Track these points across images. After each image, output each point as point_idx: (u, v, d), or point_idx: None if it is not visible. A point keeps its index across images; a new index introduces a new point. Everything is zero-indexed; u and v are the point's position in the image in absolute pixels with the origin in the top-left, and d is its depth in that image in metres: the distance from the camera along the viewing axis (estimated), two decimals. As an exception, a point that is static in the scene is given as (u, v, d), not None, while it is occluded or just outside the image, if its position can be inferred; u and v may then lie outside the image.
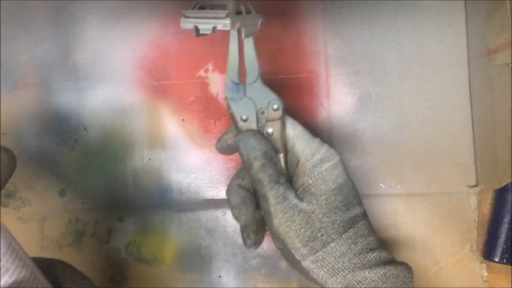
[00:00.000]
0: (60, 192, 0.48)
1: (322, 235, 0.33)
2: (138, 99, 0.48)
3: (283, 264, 0.47)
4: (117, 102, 0.48)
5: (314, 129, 0.47)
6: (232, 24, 0.32)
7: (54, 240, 0.48)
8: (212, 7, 0.33)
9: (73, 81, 0.49)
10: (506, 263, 0.44)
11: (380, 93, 0.47)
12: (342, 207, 0.34)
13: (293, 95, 0.47)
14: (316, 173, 0.35)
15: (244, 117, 0.37)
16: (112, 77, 0.48)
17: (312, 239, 0.33)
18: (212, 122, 0.48)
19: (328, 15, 0.48)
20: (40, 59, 0.49)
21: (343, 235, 0.33)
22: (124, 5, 0.49)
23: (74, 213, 0.48)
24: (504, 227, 0.44)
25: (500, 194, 0.45)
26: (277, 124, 0.37)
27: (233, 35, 0.37)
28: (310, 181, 0.35)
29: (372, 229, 0.35)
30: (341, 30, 0.48)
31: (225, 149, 0.39)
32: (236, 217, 0.37)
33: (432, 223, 0.47)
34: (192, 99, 0.48)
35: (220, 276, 0.47)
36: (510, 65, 0.39)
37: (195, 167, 0.48)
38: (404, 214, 0.47)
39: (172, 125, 0.48)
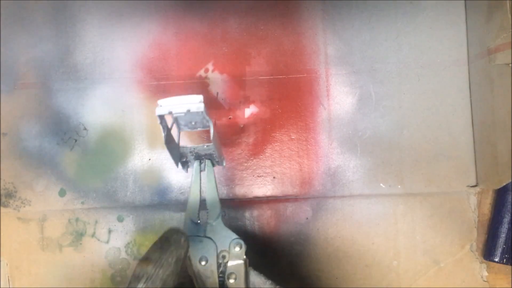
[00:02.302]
0: (60, 192, 0.48)
1: None
2: (138, 99, 0.48)
3: (283, 263, 0.47)
4: (117, 102, 0.48)
5: (314, 129, 0.47)
6: (206, 109, 0.34)
7: (54, 240, 0.48)
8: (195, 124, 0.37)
9: (73, 81, 0.49)
10: (506, 263, 0.44)
11: (380, 93, 0.47)
12: None
13: (293, 95, 0.47)
14: None
15: (203, 263, 0.34)
16: (112, 77, 0.48)
17: None
18: (212, 122, 0.48)
19: (328, 15, 0.48)
20: (40, 59, 0.49)
21: None
22: (124, 5, 0.48)
23: (74, 213, 0.48)
24: (504, 227, 0.45)
25: (500, 194, 0.45)
26: (241, 268, 0.34)
27: (196, 175, 0.38)
28: None
29: None
30: (341, 30, 0.48)
31: None
32: None
33: (432, 223, 0.47)
34: (192, 99, 0.48)
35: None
36: (510, 65, 0.39)
37: (195, 167, 0.48)
38: (404, 214, 0.47)
39: (172, 125, 0.48)
